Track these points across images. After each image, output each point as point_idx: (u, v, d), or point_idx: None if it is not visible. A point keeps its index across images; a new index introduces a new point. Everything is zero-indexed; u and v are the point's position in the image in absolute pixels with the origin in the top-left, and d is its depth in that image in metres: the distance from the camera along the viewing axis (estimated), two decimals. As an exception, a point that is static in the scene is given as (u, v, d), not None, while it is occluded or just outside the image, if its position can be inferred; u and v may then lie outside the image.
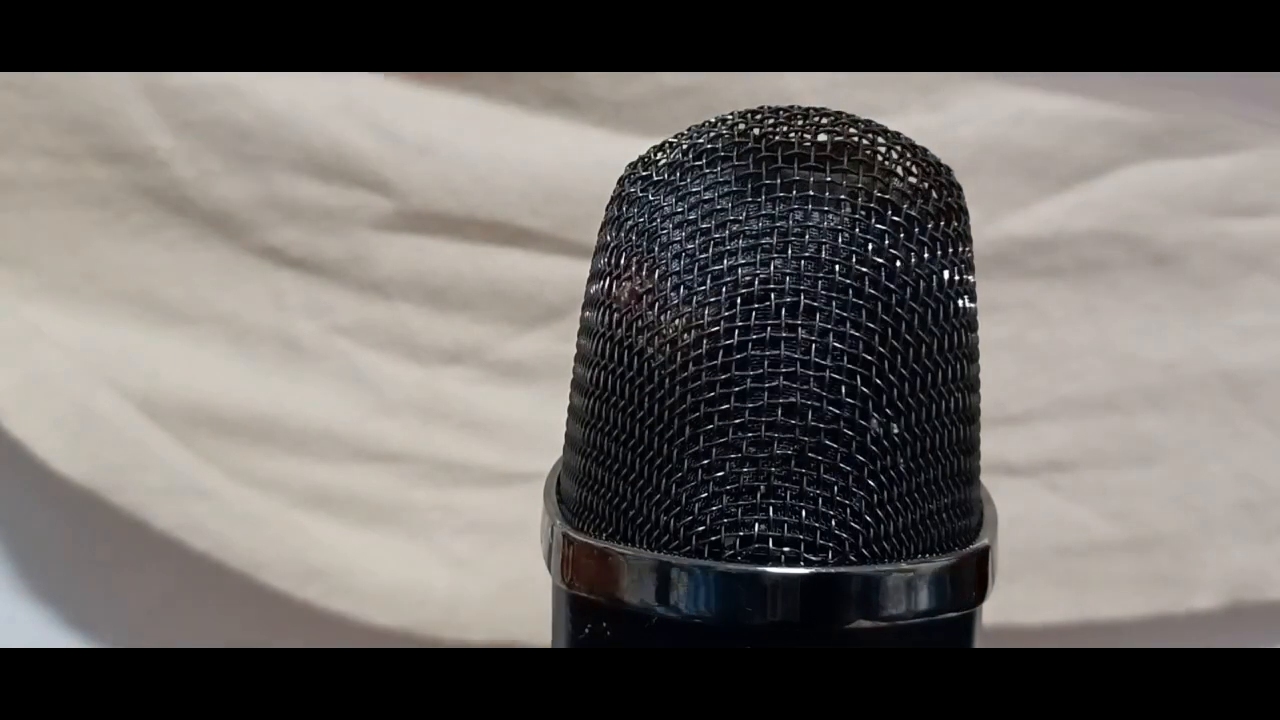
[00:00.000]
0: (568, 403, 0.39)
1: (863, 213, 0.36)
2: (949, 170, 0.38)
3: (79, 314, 0.70)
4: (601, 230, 0.38)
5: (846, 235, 0.36)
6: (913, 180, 0.37)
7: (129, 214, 0.70)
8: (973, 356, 0.38)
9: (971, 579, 0.37)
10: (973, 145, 0.69)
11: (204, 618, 0.72)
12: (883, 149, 0.37)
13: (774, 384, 0.35)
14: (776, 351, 0.35)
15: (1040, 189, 0.70)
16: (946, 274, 0.37)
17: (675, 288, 0.36)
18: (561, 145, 0.70)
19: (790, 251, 0.36)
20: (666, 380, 0.36)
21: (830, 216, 0.36)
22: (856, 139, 0.37)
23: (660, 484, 0.36)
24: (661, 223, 0.37)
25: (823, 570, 0.35)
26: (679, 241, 0.36)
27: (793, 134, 0.37)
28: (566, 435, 0.39)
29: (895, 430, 0.36)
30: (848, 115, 0.38)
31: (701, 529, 0.36)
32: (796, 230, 0.36)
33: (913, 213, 0.36)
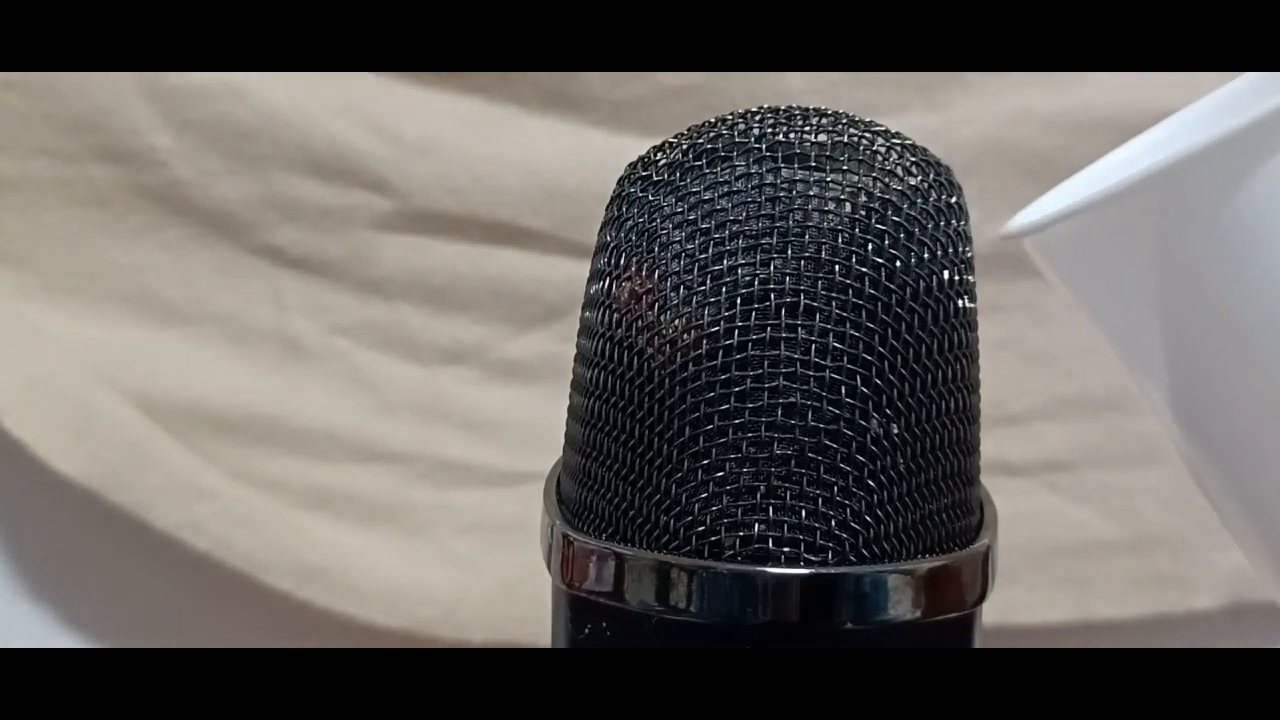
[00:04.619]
0: (568, 403, 0.39)
1: (863, 213, 0.36)
2: (949, 170, 0.38)
3: (79, 314, 0.70)
4: (601, 230, 0.38)
5: (846, 235, 0.36)
6: (913, 180, 0.37)
7: (129, 214, 0.70)
8: (973, 357, 0.38)
9: (972, 579, 0.37)
10: (973, 145, 0.69)
11: (204, 618, 0.72)
12: (882, 149, 0.37)
13: (774, 384, 0.35)
14: (776, 352, 0.35)
15: (1040, 189, 0.69)
16: (946, 274, 0.37)
17: (675, 288, 0.36)
18: (561, 145, 0.70)
19: (790, 252, 0.36)
20: (666, 380, 0.36)
21: (830, 217, 0.36)
22: (856, 139, 0.37)
23: (660, 484, 0.36)
24: (661, 223, 0.37)
25: (822, 570, 0.35)
26: (679, 242, 0.36)
27: (793, 134, 0.37)
28: (566, 435, 0.39)
29: (895, 431, 0.36)
30: (848, 115, 0.38)
31: (701, 529, 0.36)
32: (796, 230, 0.36)
33: (913, 213, 0.36)
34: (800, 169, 0.37)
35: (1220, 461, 0.38)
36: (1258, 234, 0.35)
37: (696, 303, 0.36)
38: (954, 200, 0.38)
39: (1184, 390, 0.38)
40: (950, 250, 0.37)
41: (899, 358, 0.36)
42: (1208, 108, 0.42)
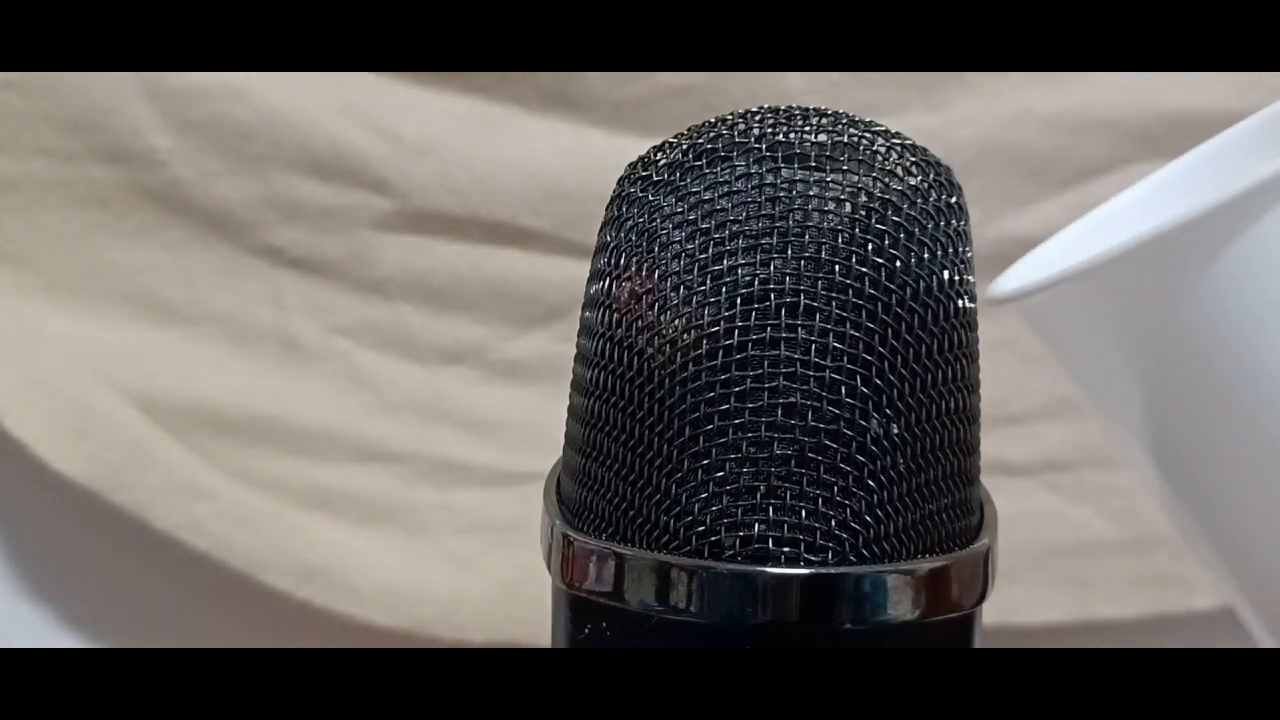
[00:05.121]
0: (568, 403, 0.39)
1: (863, 213, 0.36)
2: (949, 170, 0.38)
3: (79, 314, 0.70)
4: (601, 230, 0.38)
5: (846, 235, 0.36)
6: (912, 180, 0.37)
7: (129, 214, 0.70)
8: (973, 357, 0.38)
9: (972, 579, 0.37)
10: (973, 145, 0.69)
11: (204, 618, 0.72)
12: (882, 149, 0.37)
13: (774, 384, 0.35)
14: (776, 352, 0.35)
15: (1040, 189, 0.70)
16: (946, 274, 0.37)
17: (675, 288, 0.36)
18: (561, 145, 0.70)
19: (790, 252, 0.36)
20: (666, 380, 0.36)
21: (830, 217, 0.36)
22: (856, 139, 0.37)
23: (660, 484, 0.36)
24: (661, 223, 0.37)
25: (822, 571, 0.35)
26: (679, 241, 0.36)
27: (793, 134, 0.37)
28: (566, 435, 0.39)
29: (895, 430, 0.36)
30: (848, 115, 0.38)
31: (701, 529, 0.36)
32: (796, 230, 0.36)
33: (913, 213, 0.36)
34: (800, 169, 0.37)
35: (1202, 514, 0.39)
36: (1238, 301, 0.35)
37: (696, 303, 0.36)
38: (954, 200, 0.38)
39: (1166, 445, 0.39)
40: (950, 250, 0.37)
41: (899, 358, 0.36)
42: (1194, 163, 0.43)
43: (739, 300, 0.36)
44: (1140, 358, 0.37)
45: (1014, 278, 0.40)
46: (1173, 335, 0.36)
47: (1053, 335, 0.39)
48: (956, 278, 0.37)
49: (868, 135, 0.38)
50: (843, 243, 0.36)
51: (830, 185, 0.36)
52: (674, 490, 0.36)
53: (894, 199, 0.36)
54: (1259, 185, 0.35)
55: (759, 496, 0.35)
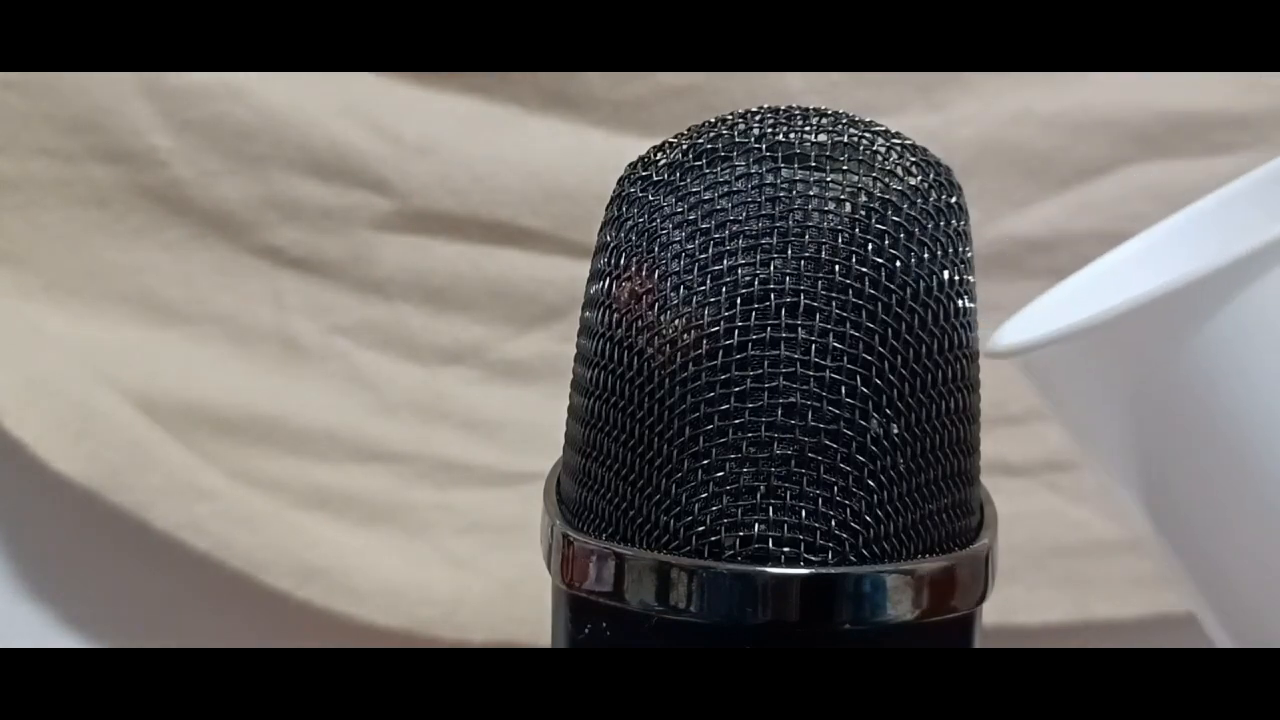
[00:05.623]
0: (568, 403, 0.39)
1: (863, 213, 0.36)
2: (949, 170, 0.38)
3: (79, 314, 0.70)
4: (601, 230, 0.38)
5: (846, 235, 0.36)
6: (912, 180, 0.37)
7: (129, 214, 0.70)
8: (973, 356, 0.38)
9: (972, 579, 0.37)
10: (973, 145, 0.69)
11: (204, 618, 0.72)
12: (882, 149, 0.37)
13: (774, 384, 0.35)
14: (776, 352, 0.35)
15: (1040, 189, 0.70)
16: (946, 274, 0.37)
17: (675, 288, 0.36)
18: (561, 145, 0.70)
19: (790, 252, 0.36)
20: (666, 380, 0.36)
21: (830, 217, 0.36)
22: (856, 139, 0.37)
23: (660, 484, 0.36)
24: (661, 223, 0.37)
25: (822, 571, 0.35)
26: (679, 241, 0.36)
27: (793, 134, 0.37)
28: (566, 435, 0.39)
29: (895, 430, 0.36)
30: (847, 115, 0.38)
31: (701, 529, 0.36)
32: (796, 230, 0.36)
33: (913, 213, 0.36)
34: (800, 169, 0.37)
35: (1193, 562, 0.40)
36: (1233, 362, 0.36)
37: (696, 303, 0.36)
38: (954, 200, 0.38)
39: (1159, 498, 0.39)
40: (950, 250, 0.37)
41: (899, 358, 0.36)
42: (1198, 216, 0.44)
43: (739, 300, 0.36)
44: (1136, 413, 0.38)
45: (1014, 330, 0.40)
46: (1169, 392, 0.37)
47: (1050, 388, 0.40)
48: (956, 278, 0.37)
49: (868, 135, 0.38)
50: (843, 243, 0.36)
51: (830, 185, 0.36)
52: (674, 490, 0.36)
53: (894, 199, 0.36)
54: (1259, 250, 0.35)
55: (759, 496, 0.35)
